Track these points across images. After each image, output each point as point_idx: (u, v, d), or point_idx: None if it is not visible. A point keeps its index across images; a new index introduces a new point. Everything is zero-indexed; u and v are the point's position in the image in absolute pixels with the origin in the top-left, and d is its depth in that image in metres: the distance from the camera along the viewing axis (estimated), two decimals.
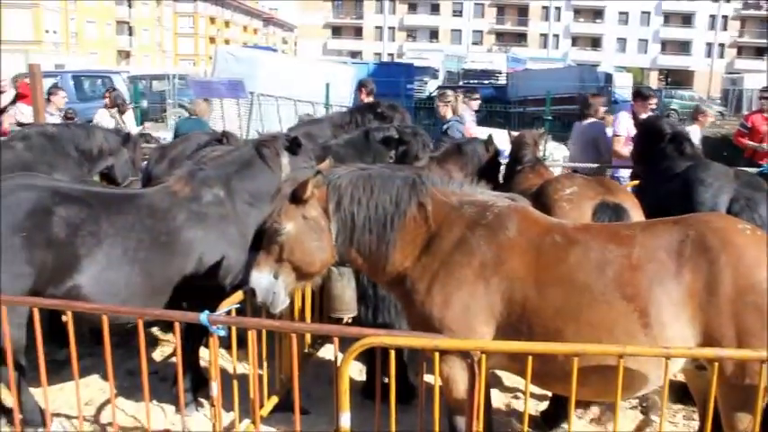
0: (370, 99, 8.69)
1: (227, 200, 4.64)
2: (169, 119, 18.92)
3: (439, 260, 3.23)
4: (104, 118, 9.98)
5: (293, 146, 4.82)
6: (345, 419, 3.16)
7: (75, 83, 18.93)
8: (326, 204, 3.30)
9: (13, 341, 3.97)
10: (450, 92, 9.21)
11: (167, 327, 5.89)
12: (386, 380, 3.94)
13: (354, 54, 70.55)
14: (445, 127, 8.26)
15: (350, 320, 4.45)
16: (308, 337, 5.16)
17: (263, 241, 3.38)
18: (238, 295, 3.75)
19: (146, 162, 7.32)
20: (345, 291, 4.10)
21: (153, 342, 5.88)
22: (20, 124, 9.13)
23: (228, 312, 3.51)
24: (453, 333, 3.15)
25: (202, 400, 4.79)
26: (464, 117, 8.72)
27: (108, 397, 4.96)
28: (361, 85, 9.01)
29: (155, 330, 6.03)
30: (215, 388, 3.47)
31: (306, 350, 5.23)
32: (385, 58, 67.18)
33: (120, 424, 4.60)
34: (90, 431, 4.50)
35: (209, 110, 8.57)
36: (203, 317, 3.34)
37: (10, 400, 4.59)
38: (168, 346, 5.88)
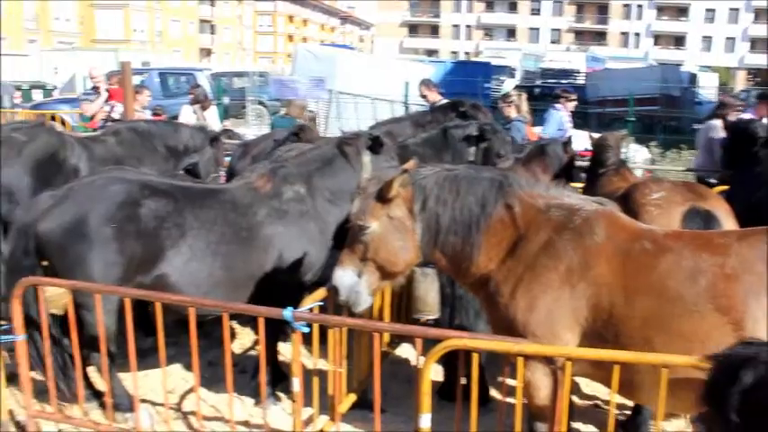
0: (438, 96, 8.85)
1: (308, 197, 4.70)
2: (249, 115, 19.30)
3: (524, 263, 3.17)
4: (188, 114, 10.25)
5: (375, 144, 4.83)
6: (426, 420, 3.14)
7: (160, 80, 19.54)
8: (412, 204, 3.28)
9: (105, 328, 4.14)
10: (513, 92, 9.32)
11: (245, 320, 6.01)
12: (463, 381, 3.90)
13: (430, 52, 70.44)
14: (507, 127, 8.22)
15: (428, 320, 4.43)
16: (385, 336, 5.16)
17: (348, 240, 3.39)
18: (321, 292, 3.77)
19: (228, 157, 7.49)
20: (428, 292, 4.08)
21: (231, 335, 6.00)
22: (111, 120, 9.50)
23: (311, 309, 3.54)
24: (537, 338, 3.10)
25: (280, 393, 4.86)
26: (526, 117, 8.82)
27: (190, 386, 5.11)
28: (425, 84, 9.13)
29: (233, 323, 6.15)
30: (297, 384, 3.51)
31: (383, 348, 5.22)
32: (461, 57, 66.73)
33: (202, 413, 4.73)
34: (174, 418, 4.62)
35: (303, 112, 8.64)
36: (287, 313, 3.38)
37: (101, 385, 4.80)
38: (247, 339, 6.00)
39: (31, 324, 4.23)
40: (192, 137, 6.90)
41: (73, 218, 4.23)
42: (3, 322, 4.39)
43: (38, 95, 22.43)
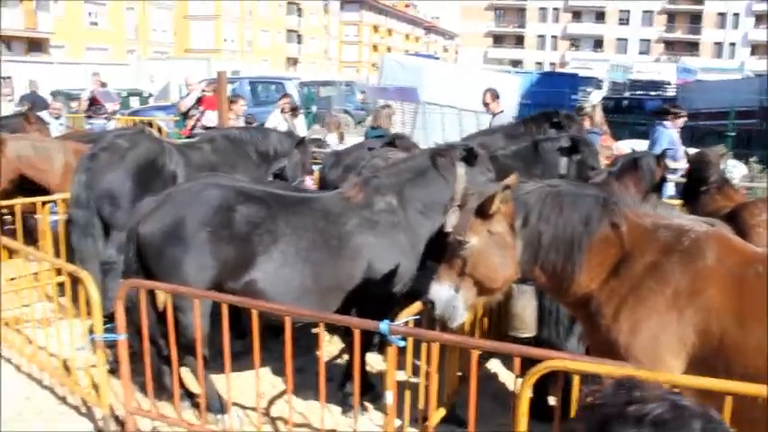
0: (499, 107, 9.07)
1: (400, 208, 4.69)
2: (334, 125, 19.50)
3: (628, 285, 3.05)
4: (278, 121, 10.46)
5: (469, 156, 4.78)
6: None
7: (251, 88, 20.07)
8: (513, 220, 3.21)
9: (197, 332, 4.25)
10: (586, 104, 9.37)
11: (331, 328, 6.04)
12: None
13: (515, 63, 69.70)
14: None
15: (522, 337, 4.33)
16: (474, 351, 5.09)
17: (446, 254, 3.35)
18: (416, 306, 3.75)
19: (319, 166, 7.58)
20: (526, 309, 4.00)
21: (317, 342, 6.04)
22: (205, 128, 9.80)
23: (406, 323, 3.52)
24: (639, 362, 2.97)
25: (366, 403, 4.85)
26: (601, 129, 8.82)
27: (278, 391, 5.19)
28: (490, 92, 9.22)
29: (318, 330, 6.19)
30: (390, 396, 3.49)
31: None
32: (546, 68, 65.72)
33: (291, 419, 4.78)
34: (262, 423, 4.67)
35: (390, 122, 8.69)
36: (384, 326, 3.37)
37: (192, 386, 4.93)
38: (333, 347, 6.04)
39: (133, 324, 4.38)
40: (281, 142, 7.02)
41: (170, 221, 4.37)
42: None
43: (135, 103, 23.43)
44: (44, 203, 6.94)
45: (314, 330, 6.07)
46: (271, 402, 4.98)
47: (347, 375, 4.88)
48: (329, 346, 6.03)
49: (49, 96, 19.98)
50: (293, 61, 71.77)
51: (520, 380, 3.15)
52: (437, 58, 39.87)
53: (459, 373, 4.89)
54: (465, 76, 18.15)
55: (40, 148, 7.43)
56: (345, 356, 5.92)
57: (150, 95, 24.95)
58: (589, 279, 3.18)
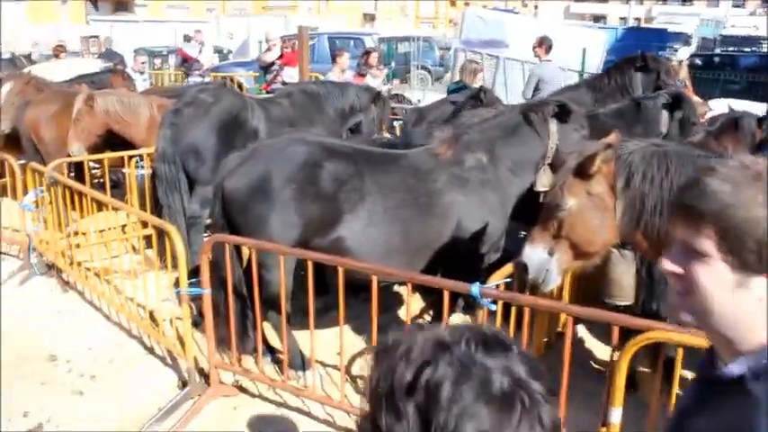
0: (548, 56, 9.25)
1: (490, 166, 4.50)
2: (413, 80, 19.29)
3: None
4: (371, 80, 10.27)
5: (562, 113, 4.53)
6: (617, 416, 2.92)
7: (329, 44, 19.92)
8: (614, 181, 3.00)
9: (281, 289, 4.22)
10: (673, 59, 9.76)
11: (413, 287, 5.94)
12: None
13: (597, 18, 66.99)
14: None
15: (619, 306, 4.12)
16: (562, 317, 4.91)
17: (540, 215, 3.17)
18: (508, 269, 3.58)
19: (402, 122, 7.43)
20: (624, 276, 3.79)
21: (398, 302, 5.98)
22: (284, 83, 9.76)
23: (497, 286, 3.38)
24: None
25: None
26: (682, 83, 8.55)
27: (357, 350, 5.15)
28: (542, 41, 9.27)
29: (399, 289, 6.12)
30: None
31: (558, 329, 4.98)
32: (631, 23, 62.99)
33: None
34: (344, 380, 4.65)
35: (475, 78, 8.44)
36: (475, 289, 3.23)
37: (273, 342, 4.94)
38: (414, 306, 5.96)
39: (217, 279, 4.39)
40: (358, 96, 6.90)
41: (256, 177, 4.31)
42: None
43: (215, 59, 23.67)
44: (131, 158, 7.05)
45: (395, 289, 6.02)
46: (351, 361, 4.94)
47: None
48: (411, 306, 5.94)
49: (131, 53, 20.42)
50: (370, 17, 71.07)
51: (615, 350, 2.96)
52: (516, 13, 38.71)
53: (545, 339, 4.74)
54: (550, 32, 17.44)
55: (127, 104, 7.52)
56: (426, 316, 5.85)
57: (230, 52, 25.16)
58: None
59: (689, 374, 3.34)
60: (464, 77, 8.70)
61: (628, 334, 3.03)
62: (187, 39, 16.16)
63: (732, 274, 1.22)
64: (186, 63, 14.57)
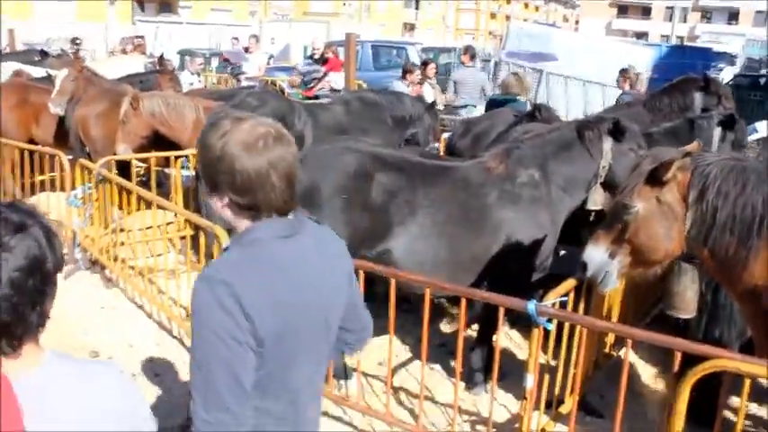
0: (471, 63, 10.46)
1: (542, 182, 4.44)
2: (450, 91, 19.15)
3: None
4: (401, 89, 10.28)
5: (617, 130, 4.44)
6: None
7: (372, 52, 19.95)
8: (687, 191, 2.94)
9: None
10: (629, 67, 10.30)
11: (455, 300, 5.89)
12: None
13: (639, 35, 66.30)
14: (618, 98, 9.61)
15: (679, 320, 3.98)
16: (611, 337, 4.82)
17: (606, 218, 3.14)
18: (563, 287, 3.52)
19: (449, 134, 7.39)
20: (687, 289, 3.70)
21: (439, 313, 5.93)
22: (332, 90, 9.78)
23: (553, 304, 3.32)
24: None
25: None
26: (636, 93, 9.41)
27: (399, 361, 5.10)
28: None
29: (441, 301, 6.07)
30: (530, 380, 3.31)
31: (605, 351, 4.89)
32: (673, 41, 62.27)
33: (411, 390, 4.70)
34: (383, 392, 4.60)
35: (518, 85, 8.39)
36: (531, 306, 3.18)
37: None
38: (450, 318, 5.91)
39: None
40: (414, 106, 6.88)
41: (304, 185, 4.26)
42: None
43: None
44: (176, 158, 7.11)
45: (436, 301, 5.96)
46: (393, 372, 4.88)
47: (469, 348, 4.74)
48: (453, 319, 5.89)
49: (176, 55, 20.68)
50: (410, 27, 71.23)
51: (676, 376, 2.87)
52: (558, 28, 38.44)
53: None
54: (593, 48, 17.34)
55: (173, 105, 7.59)
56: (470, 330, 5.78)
57: (271, 56, 25.36)
58: (764, 269, 2.86)
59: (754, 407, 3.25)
60: (507, 87, 8.68)
61: (686, 359, 2.95)
62: (235, 42, 16.25)
63: None
64: (231, 66, 14.71)
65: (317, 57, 10.74)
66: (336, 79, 10.45)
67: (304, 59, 13.44)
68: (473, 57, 11.25)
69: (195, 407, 1.74)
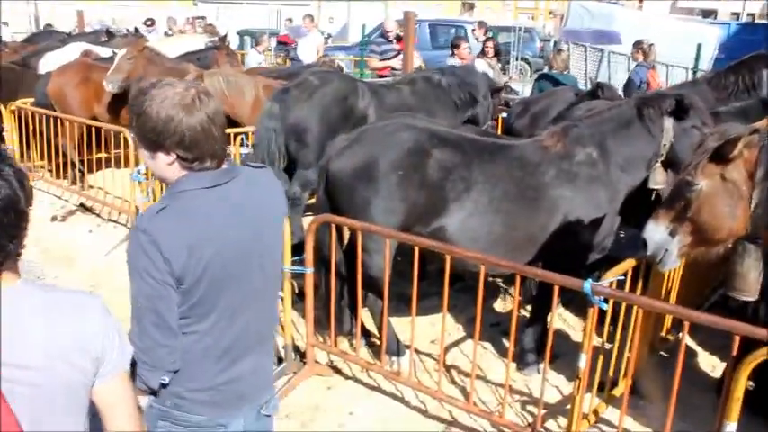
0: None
1: (600, 161, 4.35)
2: (511, 71, 18.91)
3: None
4: (482, 66, 10.14)
5: (679, 108, 4.30)
6: (731, 430, 2.76)
7: (430, 31, 19.80)
8: (754, 169, 2.85)
9: (383, 272, 4.23)
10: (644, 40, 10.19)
11: (509, 279, 5.86)
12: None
13: (707, 13, 63.88)
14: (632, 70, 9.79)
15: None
16: (667, 320, 4.73)
17: (668, 195, 3.08)
18: (622, 266, 3.47)
19: (506, 114, 7.31)
20: (751, 270, 3.57)
21: (495, 292, 5.91)
22: (392, 69, 9.75)
23: (610, 284, 3.27)
24: None
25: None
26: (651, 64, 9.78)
27: (454, 339, 5.12)
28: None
29: (497, 281, 6.05)
30: (584, 360, 3.28)
31: (662, 334, 4.80)
32: (744, 19, 59.75)
33: (462, 368, 4.71)
34: (435, 369, 4.63)
35: (566, 63, 8.25)
36: (587, 285, 3.14)
37: (369, 326, 4.98)
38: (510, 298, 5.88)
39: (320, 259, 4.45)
40: (482, 86, 6.82)
41: (361, 161, 4.31)
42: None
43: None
44: (236, 135, 7.23)
45: (493, 280, 5.95)
46: (447, 350, 4.90)
47: (525, 330, 4.72)
48: (507, 298, 5.87)
49: (236, 36, 20.93)
50: (468, 6, 70.28)
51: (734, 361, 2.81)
52: (621, 6, 37.33)
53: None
54: (662, 26, 16.77)
55: (233, 83, 7.70)
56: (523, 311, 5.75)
57: (329, 36, 25.43)
58: None
59: None
60: (555, 65, 8.56)
61: (747, 344, 2.88)
62: (288, 23, 16.32)
63: None
64: (285, 46, 14.77)
65: (391, 37, 10.59)
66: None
67: (374, 39, 13.36)
68: (487, 32, 11.57)
69: (132, 336, 2.06)
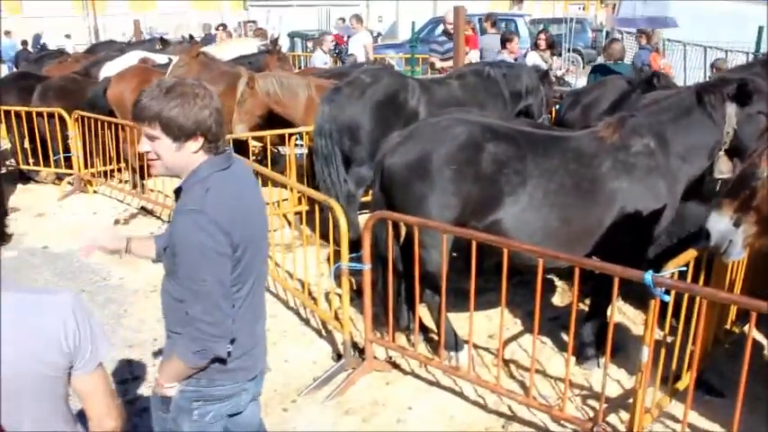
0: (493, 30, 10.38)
1: (658, 151, 4.26)
2: (564, 62, 18.59)
3: None
4: (534, 59, 10.07)
5: (742, 93, 4.17)
6: None
7: (480, 26, 19.61)
8: None
9: (440, 267, 4.24)
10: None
11: (566, 273, 5.80)
12: None
13: None
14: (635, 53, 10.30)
15: None
16: (732, 312, 4.61)
17: (732, 184, 3.00)
18: (684, 257, 3.40)
19: (558, 106, 7.23)
20: None
21: (552, 287, 5.86)
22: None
23: (672, 275, 3.21)
24: None
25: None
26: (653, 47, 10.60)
27: (512, 334, 5.09)
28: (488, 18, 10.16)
29: (552, 275, 5.98)
30: (646, 353, 3.23)
31: (726, 326, 4.68)
32: None
33: (521, 363, 4.69)
34: (494, 364, 4.61)
35: (623, 51, 8.12)
36: (648, 277, 3.09)
37: (427, 322, 4.99)
38: (561, 291, 5.83)
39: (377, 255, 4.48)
40: (530, 78, 6.76)
41: (415, 156, 4.32)
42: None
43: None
44: (290, 135, 7.33)
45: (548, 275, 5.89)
46: (505, 344, 4.88)
47: (584, 323, 4.66)
48: (564, 292, 5.81)
49: (287, 38, 21.15)
50: None
51: None
52: None
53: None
54: (718, 9, 16.25)
55: (286, 85, 7.80)
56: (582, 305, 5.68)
57: (379, 34, 25.54)
58: None
59: None
60: (611, 54, 8.43)
61: None
62: (340, 23, 16.41)
63: None
64: (337, 46, 14.86)
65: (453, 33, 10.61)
66: (474, 56, 10.39)
67: (436, 37, 13.35)
68: (494, 23, 11.93)
69: (197, 314, 2.28)
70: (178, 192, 2.45)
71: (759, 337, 4.83)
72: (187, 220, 2.28)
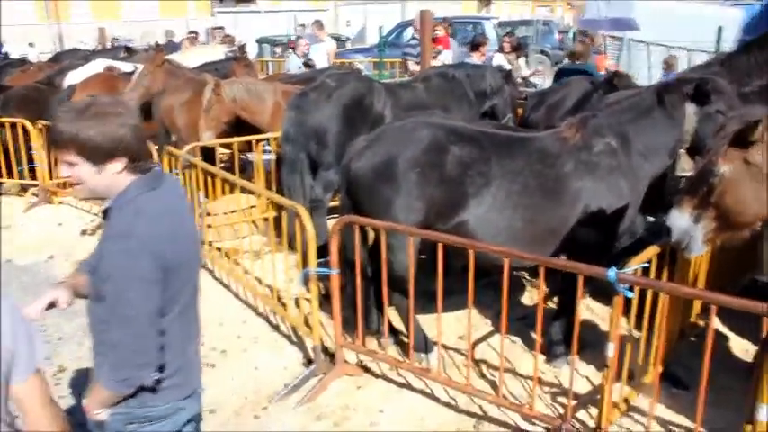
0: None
1: (620, 150, 4.32)
2: (532, 64, 18.79)
3: None
4: (499, 62, 10.15)
5: (699, 92, 4.25)
6: (764, 413, 2.74)
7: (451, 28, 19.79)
8: None
9: (406, 269, 4.25)
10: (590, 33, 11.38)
11: (535, 272, 5.85)
12: None
13: None
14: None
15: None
16: (696, 305, 4.69)
17: (691, 181, 3.07)
18: (646, 254, 3.45)
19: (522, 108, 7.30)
20: None
21: (521, 286, 5.90)
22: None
23: (635, 272, 3.26)
24: None
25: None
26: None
27: (482, 334, 5.12)
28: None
29: (523, 274, 6.04)
30: (611, 349, 3.27)
31: (692, 320, 4.76)
32: None
33: (491, 362, 4.71)
34: (464, 365, 4.64)
35: (588, 52, 8.22)
36: (611, 273, 3.13)
37: (396, 324, 5.00)
38: (528, 290, 5.88)
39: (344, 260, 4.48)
40: (494, 78, 6.82)
41: (381, 160, 4.33)
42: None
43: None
44: (258, 141, 7.30)
45: (519, 274, 5.93)
46: (474, 345, 4.91)
47: (552, 322, 4.71)
48: (533, 291, 5.86)
49: (255, 44, 21.06)
50: (486, 1, 69.86)
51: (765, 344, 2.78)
52: None
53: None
54: (682, 12, 16.52)
55: (253, 91, 7.77)
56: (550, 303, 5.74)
57: (347, 39, 25.54)
58: None
59: None
60: (578, 53, 8.52)
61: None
62: (300, 29, 16.31)
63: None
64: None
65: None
66: (447, 57, 10.42)
67: (407, 41, 13.36)
68: (450, 26, 12.66)
69: (123, 340, 2.22)
70: (106, 212, 2.37)
71: (724, 329, 4.92)
72: (115, 247, 2.23)
